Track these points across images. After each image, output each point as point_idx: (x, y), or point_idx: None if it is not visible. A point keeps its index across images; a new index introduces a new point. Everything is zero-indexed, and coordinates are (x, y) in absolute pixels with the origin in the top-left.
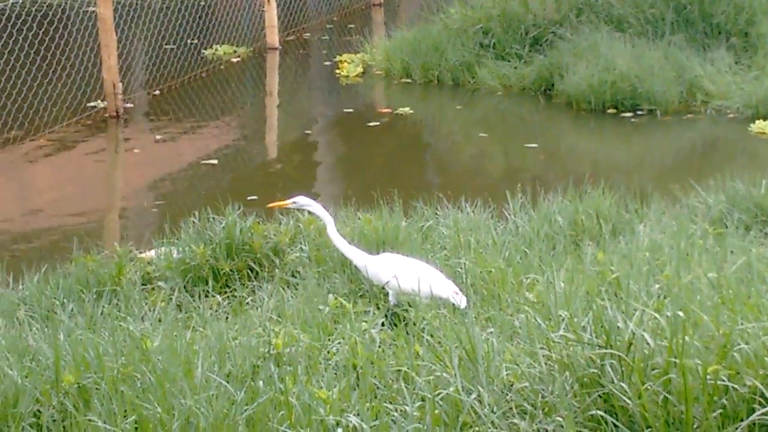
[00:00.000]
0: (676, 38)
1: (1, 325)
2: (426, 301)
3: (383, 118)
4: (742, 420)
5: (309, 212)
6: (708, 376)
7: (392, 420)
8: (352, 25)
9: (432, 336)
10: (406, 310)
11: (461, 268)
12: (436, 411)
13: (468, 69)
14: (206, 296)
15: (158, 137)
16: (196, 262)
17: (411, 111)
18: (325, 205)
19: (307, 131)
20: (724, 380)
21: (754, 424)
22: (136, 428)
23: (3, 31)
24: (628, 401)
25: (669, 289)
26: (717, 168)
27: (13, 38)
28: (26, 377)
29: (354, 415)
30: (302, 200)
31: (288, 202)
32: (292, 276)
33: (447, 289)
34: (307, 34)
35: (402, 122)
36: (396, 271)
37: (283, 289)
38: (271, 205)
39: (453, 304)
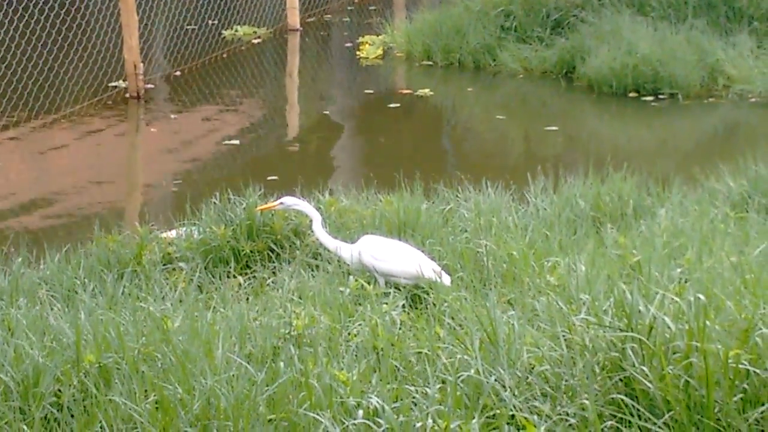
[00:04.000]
0: (699, 22)
1: (22, 305)
2: (410, 282)
3: (403, 99)
4: (763, 404)
5: (297, 211)
6: (729, 361)
7: (413, 402)
8: (373, 7)
9: (453, 318)
10: (427, 293)
11: (482, 251)
12: (458, 393)
13: (489, 52)
14: (227, 277)
15: (179, 118)
16: (217, 243)
17: (431, 93)
18: (345, 187)
19: (327, 112)
20: (745, 364)
21: None
22: (156, 408)
23: (26, 11)
24: (649, 385)
25: (690, 273)
26: (738, 152)
27: (35, 18)
28: (47, 356)
29: (375, 396)
30: (289, 200)
31: (275, 204)
32: (313, 257)
33: (429, 267)
34: (328, 16)
35: (422, 104)
36: (376, 253)
37: (304, 270)
38: (259, 207)
39: (435, 282)
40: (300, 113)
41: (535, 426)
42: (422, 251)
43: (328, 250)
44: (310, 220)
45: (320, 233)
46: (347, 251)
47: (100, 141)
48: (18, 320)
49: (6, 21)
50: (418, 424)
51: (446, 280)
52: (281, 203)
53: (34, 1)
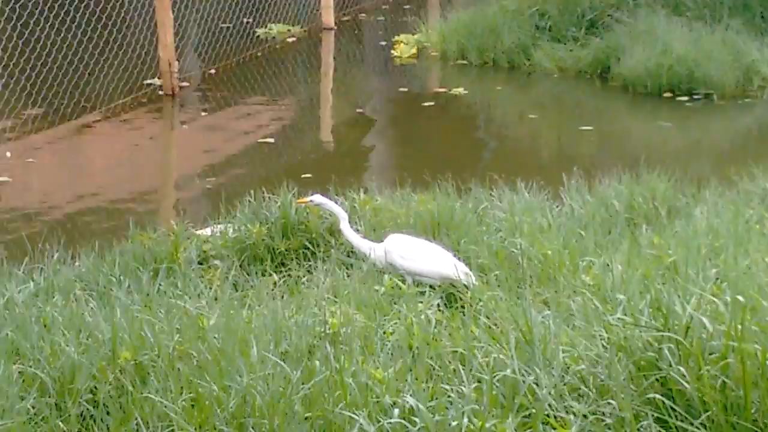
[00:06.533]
0: (734, 22)
1: (58, 302)
2: (436, 281)
3: (438, 98)
4: None
5: (324, 209)
6: (767, 361)
7: (449, 401)
8: (407, 6)
9: (488, 317)
10: (462, 292)
11: (517, 250)
12: (493, 392)
13: (524, 51)
14: (262, 275)
15: (213, 116)
16: (252, 241)
17: (465, 92)
18: (379, 185)
19: (361, 110)
20: None
21: None
22: (192, 406)
23: (61, 9)
24: (686, 385)
25: (726, 273)
26: None
27: (71, 16)
28: (83, 353)
29: (410, 395)
30: (317, 199)
31: (307, 200)
32: (348, 256)
33: (457, 268)
34: (363, 15)
35: (457, 103)
36: (404, 252)
37: (339, 269)
38: (298, 201)
39: (464, 284)
40: (334, 112)
41: (571, 425)
42: (451, 251)
43: (355, 249)
44: (338, 220)
45: (348, 232)
46: (374, 250)
47: (135, 139)
48: (54, 317)
49: (42, 19)
50: (454, 423)
51: (472, 279)
52: (311, 200)
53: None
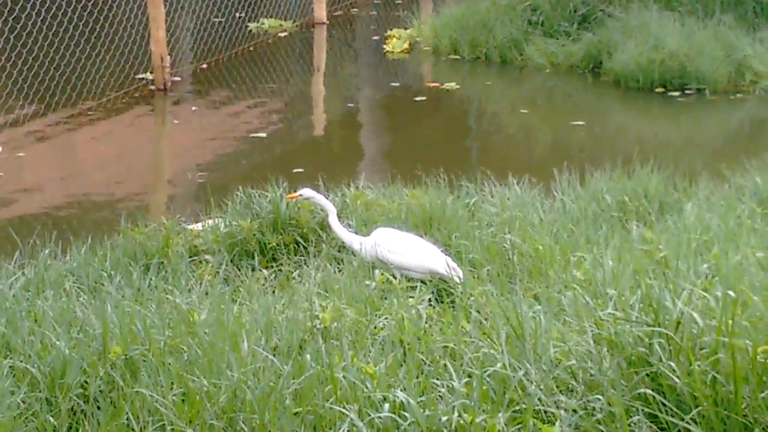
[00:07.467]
0: (726, 17)
1: (49, 296)
2: (423, 275)
3: (430, 93)
4: None
5: (313, 202)
6: (757, 357)
7: (439, 396)
8: (399, 1)
9: (479, 312)
10: (453, 287)
11: (508, 245)
12: (483, 387)
13: (516, 46)
14: (253, 270)
15: (205, 110)
16: (243, 236)
17: (458, 87)
18: (371, 180)
19: (353, 105)
20: None
21: None
22: (182, 400)
23: (53, 3)
24: (677, 380)
25: (717, 268)
26: (765, 148)
27: (63, 10)
28: (74, 348)
29: (401, 390)
30: (307, 192)
31: (297, 194)
32: (339, 251)
33: (443, 261)
34: (355, 10)
35: (449, 98)
36: (391, 245)
37: (330, 264)
38: (288, 196)
39: (454, 279)
40: (326, 106)
41: (561, 420)
42: (441, 246)
43: (343, 243)
44: (326, 214)
45: (336, 226)
46: (362, 244)
47: (126, 133)
48: (45, 312)
49: (34, 13)
50: (444, 418)
51: (460, 274)
52: (300, 195)
53: None
